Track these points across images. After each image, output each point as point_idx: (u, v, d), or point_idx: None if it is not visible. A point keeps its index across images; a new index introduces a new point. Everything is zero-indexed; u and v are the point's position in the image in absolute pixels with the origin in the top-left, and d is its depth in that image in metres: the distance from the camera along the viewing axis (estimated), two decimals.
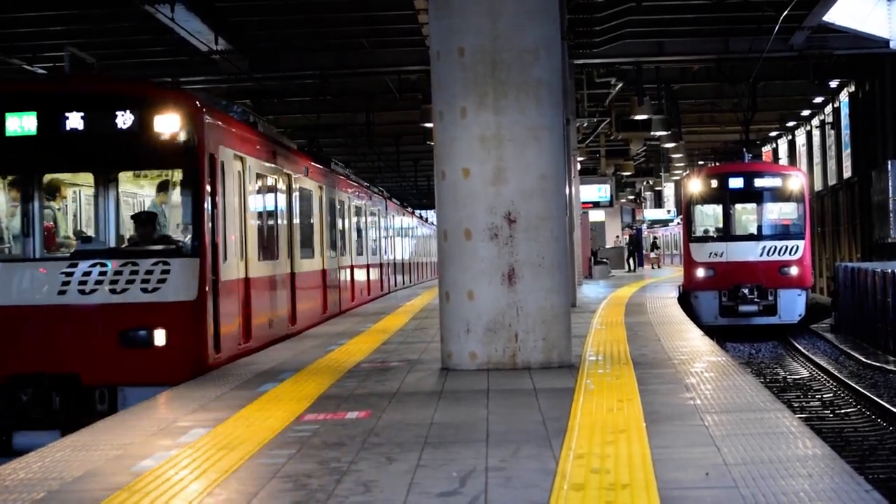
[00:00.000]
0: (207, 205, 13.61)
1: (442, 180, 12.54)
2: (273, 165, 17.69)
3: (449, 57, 12.41)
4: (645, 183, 74.61)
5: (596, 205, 49.63)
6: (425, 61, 20.86)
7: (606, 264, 48.16)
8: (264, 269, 16.68)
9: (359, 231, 28.71)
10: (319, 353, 14.91)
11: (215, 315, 13.75)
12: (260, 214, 16.77)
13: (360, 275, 28.22)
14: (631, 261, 58.55)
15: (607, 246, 61.20)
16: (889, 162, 36.68)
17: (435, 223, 57.00)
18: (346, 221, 26.42)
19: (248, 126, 16.93)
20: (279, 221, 18.15)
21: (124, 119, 13.39)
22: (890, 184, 36.46)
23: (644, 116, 36.63)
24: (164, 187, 14.75)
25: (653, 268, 64.05)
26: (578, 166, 38.82)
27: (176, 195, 14.44)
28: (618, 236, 64.84)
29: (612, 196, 50.06)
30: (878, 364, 24.04)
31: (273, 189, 17.84)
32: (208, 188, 13.69)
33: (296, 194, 19.50)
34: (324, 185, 22.83)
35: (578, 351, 13.78)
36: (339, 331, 18.76)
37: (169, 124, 13.38)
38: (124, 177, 14.45)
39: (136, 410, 10.10)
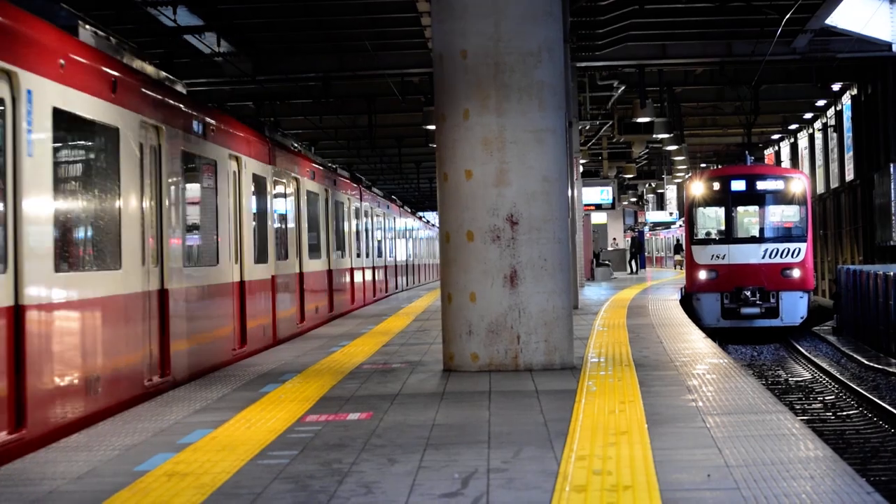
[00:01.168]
0: None
1: (444, 182, 12.54)
2: (121, 108, 11.19)
3: (451, 59, 12.42)
4: (647, 185, 74.55)
5: (598, 207, 49.59)
6: (428, 64, 20.94)
7: (608, 266, 48.17)
8: (81, 285, 10.16)
9: (313, 226, 21.95)
10: (321, 354, 14.93)
11: None
12: (70, 192, 10.18)
13: (314, 283, 21.65)
14: (633, 263, 58.49)
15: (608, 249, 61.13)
16: (891, 164, 36.68)
17: (431, 222, 55.11)
18: (293, 213, 19.97)
19: (59, 29, 9.99)
20: (128, 208, 11.45)
21: None
22: (892, 186, 36.48)
23: (646, 119, 36.65)
24: None
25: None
26: (581, 168, 38.81)
27: None
28: (614, 239, 64.58)
29: (614, 198, 50.02)
30: (879, 366, 24.02)
31: (113, 148, 11.06)
32: None
33: (176, 165, 13.06)
34: (243, 156, 16.17)
35: (580, 353, 13.80)
36: (341, 332, 18.78)
37: None
38: None
39: (137, 411, 10.10)
